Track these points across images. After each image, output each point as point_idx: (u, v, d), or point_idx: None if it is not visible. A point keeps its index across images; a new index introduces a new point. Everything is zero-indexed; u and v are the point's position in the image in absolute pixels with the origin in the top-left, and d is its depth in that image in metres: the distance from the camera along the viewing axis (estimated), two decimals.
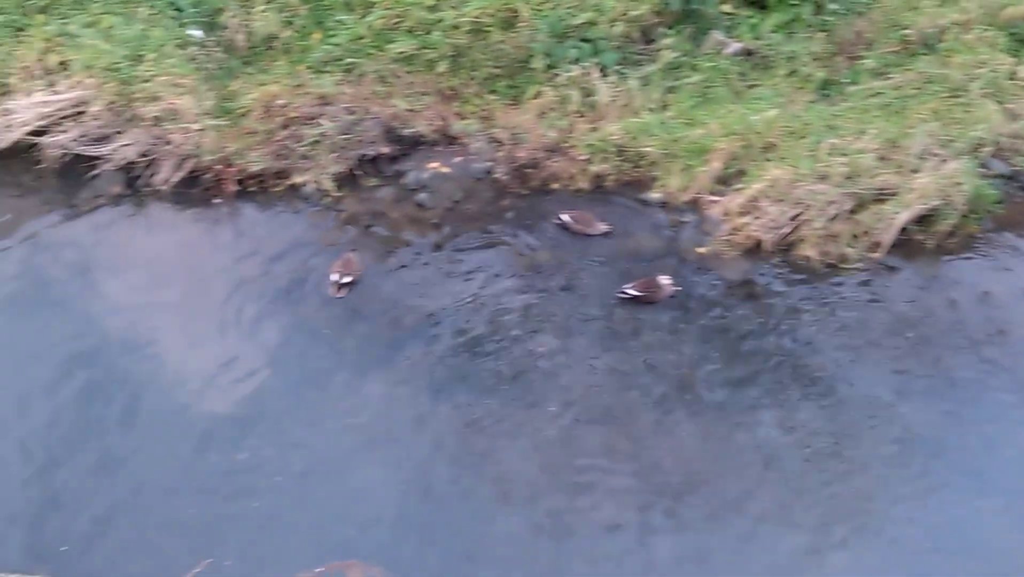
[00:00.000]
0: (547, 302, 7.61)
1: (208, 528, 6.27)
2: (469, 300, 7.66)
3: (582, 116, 8.30)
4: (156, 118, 7.95)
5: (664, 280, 7.35)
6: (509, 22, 8.31)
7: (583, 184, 8.22)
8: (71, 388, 7.03)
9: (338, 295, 7.34)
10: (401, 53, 8.25)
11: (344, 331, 7.46)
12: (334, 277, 7.40)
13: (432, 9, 8.26)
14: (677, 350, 7.34)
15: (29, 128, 7.98)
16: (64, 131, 7.99)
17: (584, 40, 8.34)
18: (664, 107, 8.35)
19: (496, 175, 8.18)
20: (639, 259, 7.87)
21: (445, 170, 8.20)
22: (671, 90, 8.39)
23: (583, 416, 6.95)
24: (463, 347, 7.36)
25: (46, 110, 7.92)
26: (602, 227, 7.87)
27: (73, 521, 6.30)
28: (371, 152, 8.18)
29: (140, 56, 8.08)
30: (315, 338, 7.40)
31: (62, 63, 8.11)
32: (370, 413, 6.96)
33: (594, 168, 8.11)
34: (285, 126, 8.05)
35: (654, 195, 8.19)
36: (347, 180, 8.28)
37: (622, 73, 8.42)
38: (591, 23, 8.32)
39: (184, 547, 6.13)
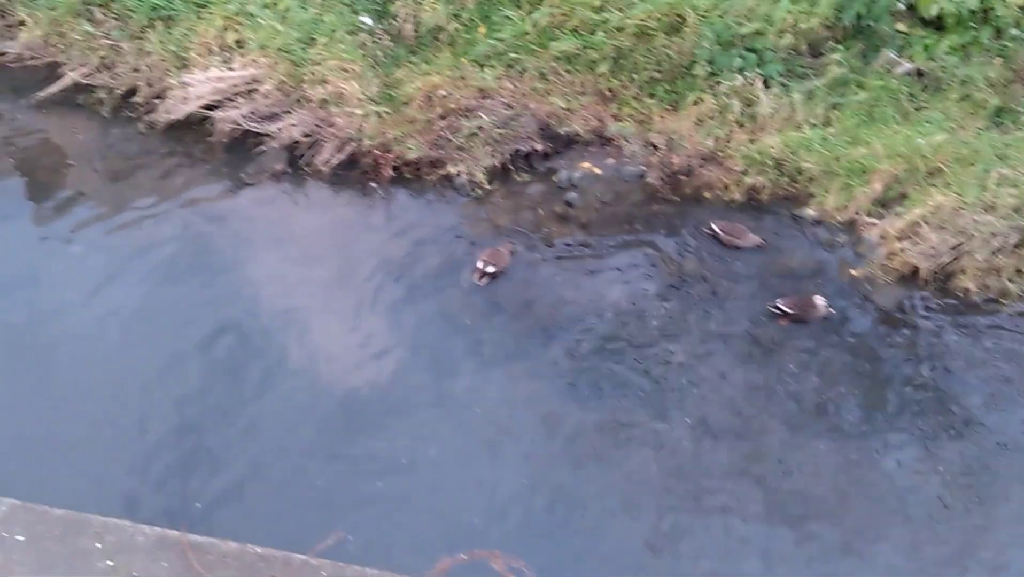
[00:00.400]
0: (689, 311, 8.55)
1: (337, 503, 7.25)
2: (610, 303, 8.63)
3: (741, 126, 9.20)
4: (322, 101, 9.27)
5: (819, 300, 8.21)
6: (675, 27, 9.33)
7: (736, 195, 9.16)
8: (219, 352, 8.25)
9: (480, 283, 8.54)
10: (563, 52, 9.36)
11: (483, 322, 8.53)
12: (479, 265, 8.53)
13: (598, 10, 9.37)
14: (819, 372, 8.14)
15: (204, 102, 9.42)
16: (236, 107, 9.40)
17: (750, 50, 9.25)
18: (827, 123, 9.19)
19: (648, 180, 9.21)
20: (788, 276, 8.73)
21: (597, 171, 9.30)
22: (835, 106, 9.25)
23: (716, 430, 7.79)
24: (601, 349, 8.32)
25: (221, 86, 9.38)
26: (753, 240, 8.77)
27: (208, 481, 7.44)
28: (525, 148, 9.32)
29: (312, 39, 9.40)
30: (454, 327, 8.50)
31: (239, 41, 9.51)
32: (502, 406, 7.94)
33: (749, 180, 9.06)
34: (444, 117, 9.27)
35: (809, 212, 9.07)
36: (499, 174, 9.39)
37: (786, 85, 9.27)
38: (759, 33, 9.22)
39: (313, 519, 7.12)
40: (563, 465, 7.55)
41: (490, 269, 8.41)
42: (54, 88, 9.71)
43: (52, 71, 9.89)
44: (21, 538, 6.08)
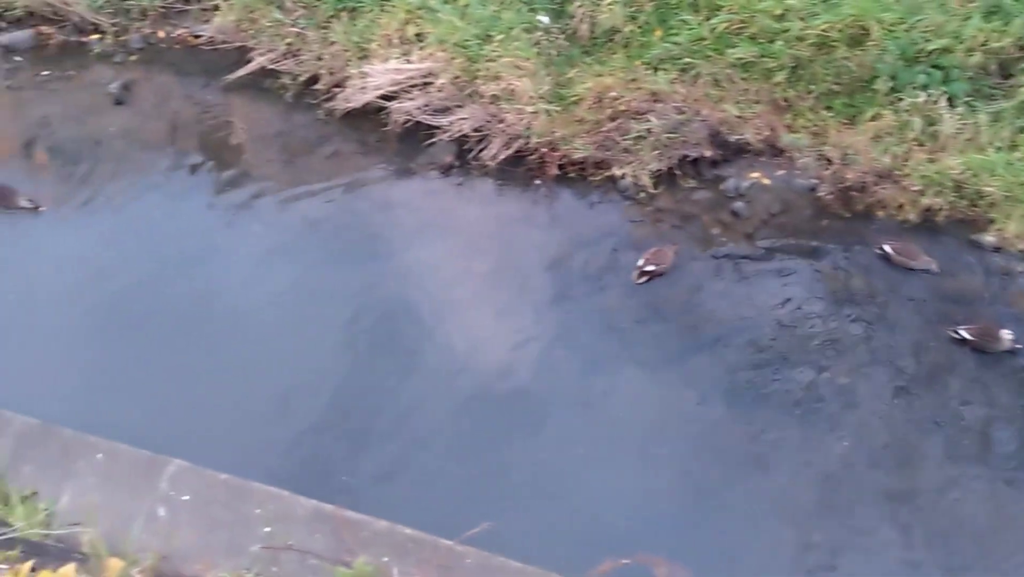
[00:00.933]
0: (854, 331, 8.41)
1: (483, 494, 7.44)
2: (771, 316, 8.55)
3: (921, 145, 8.98)
4: (494, 96, 9.49)
5: (1005, 333, 7.96)
6: (857, 39, 9.18)
7: (911, 215, 8.96)
8: (377, 335, 8.56)
9: (639, 282, 8.59)
10: (740, 59, 9.32)
11: (639, 325, 8.59)
12: (640, 263, 8.59)
13: (779, 18, 9.28)
14: (992, 406, 7.88)
15: (381, 92, 9.78)
16: (411, 99, 9.73)
17: (935, 67, 9.01)
18: (1013, 147, 8.88)
19: (819, 193, 9.09)
20: (960, 302, 8.49)
21: (766, 181, 9.23)
22: (1023, 130, 8.88)
23: (872, 454, 7.63)
24: (757, 362, 8.26)
25: (398, 77, 9.72)
26: (926, 262, 8.56)
27: (359, 461, 7.74)
28: (694, 154, 9.33)
29: (489, 36, 9.64)
30: (609, 327, 8.57)
31: (418, 35, 9.84)
32: (653, 410, 7.98)
33: (926, 200, 8.85)
34: (613, 118, 9.37)
35: (988, 238, 8.81)
36: (665, 178, 9.43)
37: (971, 105, 9.02)
38: (946, 50, 8.98)
39: (459, 508, 7.24)
40: (712, 475, 7.56)
41: (650, 268, 8.50)
42: (242, 72, 10.22)
43: (241, 55, 10.39)
44: (187, 498, 6.42)
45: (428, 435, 7.86)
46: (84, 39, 10.65)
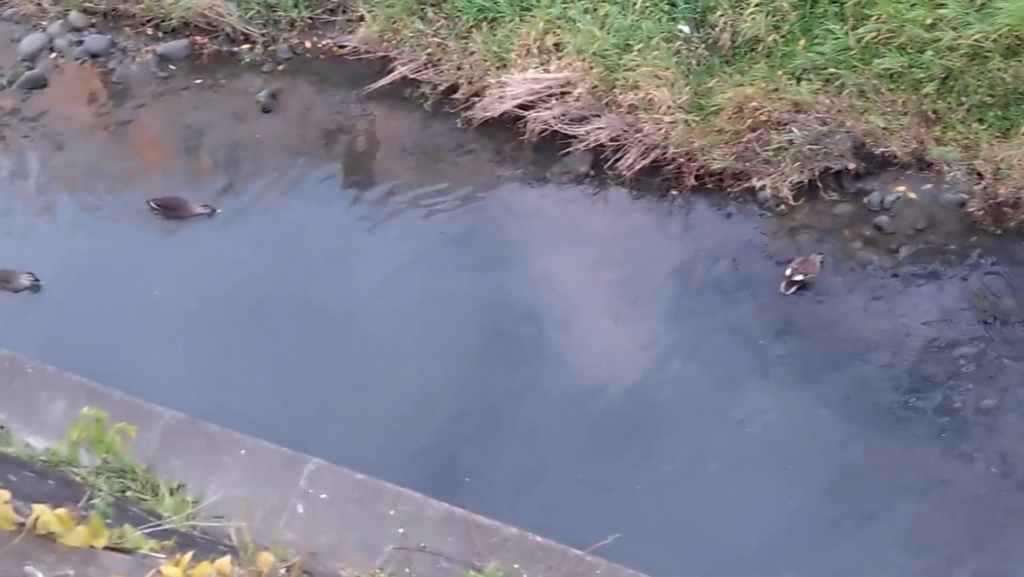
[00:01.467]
0: (1003, 353, 8.14)
1: (612, 507, 7.46)
2: (915, 334, 8.36)
3: None
4: (631, 106, 9.53)
5: None
6: (1013, 50, 8.87)
7: None
8: (507, 340, 8.75)
9: (787, 292, 8.50)
10: (887, 69, 9.12)
11: (776, 341, 8.51)
12: (787, 272, 8.52)
13: (930, 28, 9.04)
14: None
15: (519, 102, 9.94)
16: (548, 108, 9.85)
17: None
18: None
19: (969, 209, 8.83)
20: None
21: (912, 196, 9.01)
22: None
23: (1012, 486, 7.38)
24: (899, 382, 8.10)
25: (536, 87, 9.85)
26: None
27: (486, 466, 7.92)
28: (836, 166, 9.18)
29: (628, 45, 9.71)
30: (744, 342, 8.51)
31: (557, 45, 9.96)
32: (787, 428, 7.90)
33: None
34: (753, 129, 9.28)
35: None
36: (806, 191, 9.30)
37: None
38: None
39: (587, 519, 7.35)
40: (849, 495, 7.47)
41: (798, 277, 8.38)
42: (384, 81, 10.57)
43: (384, 65, 10.75)
44: (324, 496, 6.65)
45: (556, 444, 7.95)
46: (235, 49, 11.16)
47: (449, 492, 7.10)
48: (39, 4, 11.57)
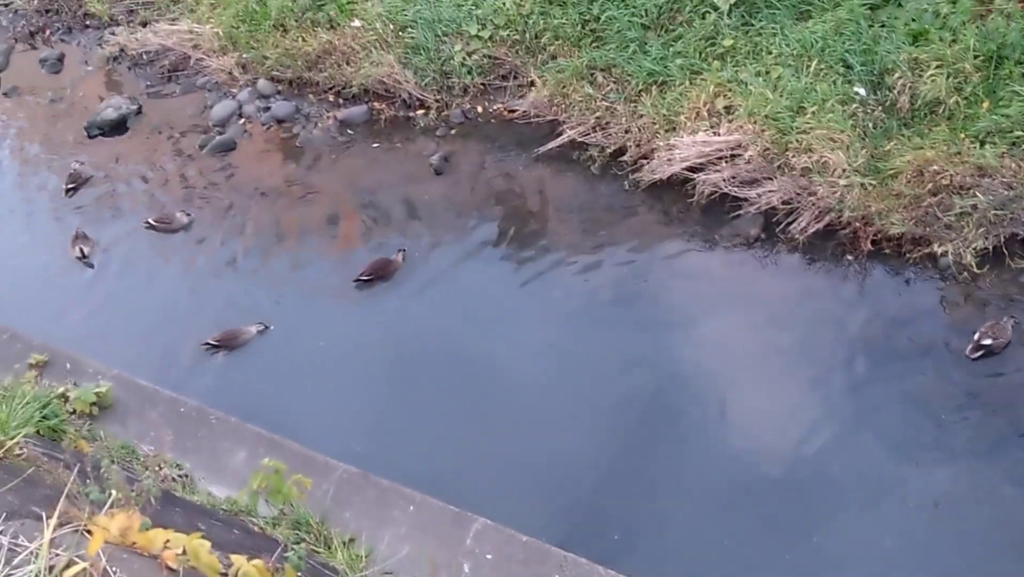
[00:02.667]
0: None
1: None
2: None
3: None
4: (805, 169, 9.48)
5: None
6: None
7: None
8: (665, 400, 8.79)
9: (974, 356, 8.31)
10: None
11: (957, 412, 8.23)
12: (976, 336, 8.32)
13: None
14: None
15: (687, 164, 10.03)
16: (717, 171, 9.90)
17: None
18: None
19: None
20: None
21: None
22: None
23: None
24: None
25: (706, 149, 9.93)
26: None
27: (633, 527, 7.91)
28: (1023, 232, 8.82)
29: (802, 108, 9.68)
30: (923, 413, 8.28)
31: (727, 108, 10.04)
32: (969, 506, 7.65)
33: None
34: (934, 193, 9.07)
35: None
36: (990, 258, 9.03)
37: None
38: None
39: None
40: None
41: (986, 341, 8.15)
42: (553, 144, 10.89)
43: (552, 129, 11.08)
44: (490, 557, 6.78)
45: (713, 509, 7.91)
46: (411, 114, 11.72)
47: (599, 551, 7.26)
48: (230, 73, 12.46)
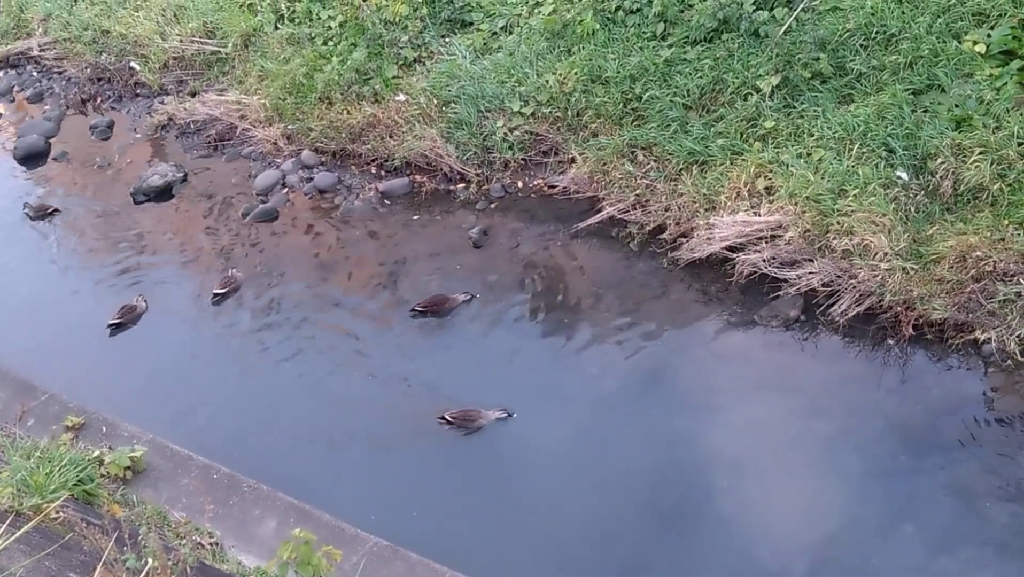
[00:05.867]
0: None
1: None
2: None
3: None
4: (846, 251, 9.57)
5: None
6: None
7: None
8: (705, 488, 8.79)
9: None
10: None
11: (1001, 504, 8.17)
12: None
13: None
14: None
15: (727, 244, 10.16)
16: (757, 251, 10.02)
17: None
18: None
19: None
20: None
21: None
22: None
23: None
24: None
25: (746, 229, 10.06)
26: None
27: None
28: None
29: (843, 191, 9.82)
30: (966, 506, 8.24)
31: (768, 188, 10.20)
32: None
33: None
34: (977, 279, 9.12)
35: None
36: None
37: None
38: None
39: None
40: None
41: None
42: (592, 220, 11.13)
43: (592, 205, 11.31)
44: None
45: None
46: (452, 187, 12.03)
47: None
48: (275, 144, 12.89)
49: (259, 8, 13.97)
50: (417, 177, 12.12)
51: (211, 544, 7.77)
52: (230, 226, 12.22)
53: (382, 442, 9.24)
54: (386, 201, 12.09)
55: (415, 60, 12.71)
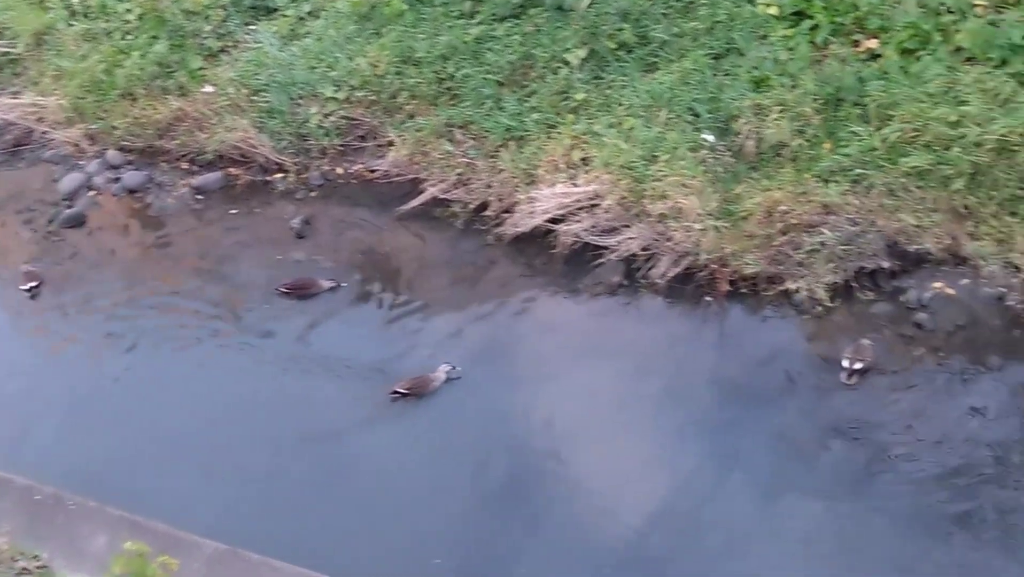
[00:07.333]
0: None
1: None
2: (964, 435, 8.46)
3: None
4: (661, 215, 9.93)
5: None
6: None
7: None
8: (541, 458, 8.96)
9: (850, 381, 8.71)
10: (915, 168, 9.47)
11: (820, 447, 8.65)
12: (846, 363, 8.76)
13: (954, 125, 9.43)
14: None
15: (548, 216, 10.38)
16: (578, 221, 10.27)
17: None
18: None
19: (1009, 303, 9.07)
20: None
21: (950, 292, 9.24)
22: None
23: None
24: (951, 485, 8.17)
25: (565, 201, 10.31)
26: None
27: None
28: (871, 265, 9.46)
29: (654, 157, 10.18)
30: (788, 451, 8.69)
31: (584, 159, 10.47)
32: (843, 542, 7.95)
33: None
34: (784, 232, 9.61)
35: None
36: (841, 291, 9.57)
37: None
38: None
39: None
40: None
41: (858, 365, 8.65)
42: (415, 202, 11.16)
43: (414, 187, 11.39)
44: None
45: (589, 566, 7.99)
46: (269, 178, 11.86)
47: None
48: (77, 145, 12.36)
49: (50, 5, 13.26)
50: (232, 170, 11.89)
51: (38, 567, 7.45)
52: (35, 236, 11.58)
53: (216, 442, 9.03)
54: (200, 197, 11.82)
55: (220, 50, 12.47)
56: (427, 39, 11.53)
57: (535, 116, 10.81)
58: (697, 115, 10.27)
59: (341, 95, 11.57)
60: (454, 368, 9.42)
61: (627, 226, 10.08)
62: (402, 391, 9.28)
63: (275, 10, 12.65)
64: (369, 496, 8.52)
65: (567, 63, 10.96)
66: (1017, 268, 9.01)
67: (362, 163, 11.60)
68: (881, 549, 7.76)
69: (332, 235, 11.15)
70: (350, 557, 7.91)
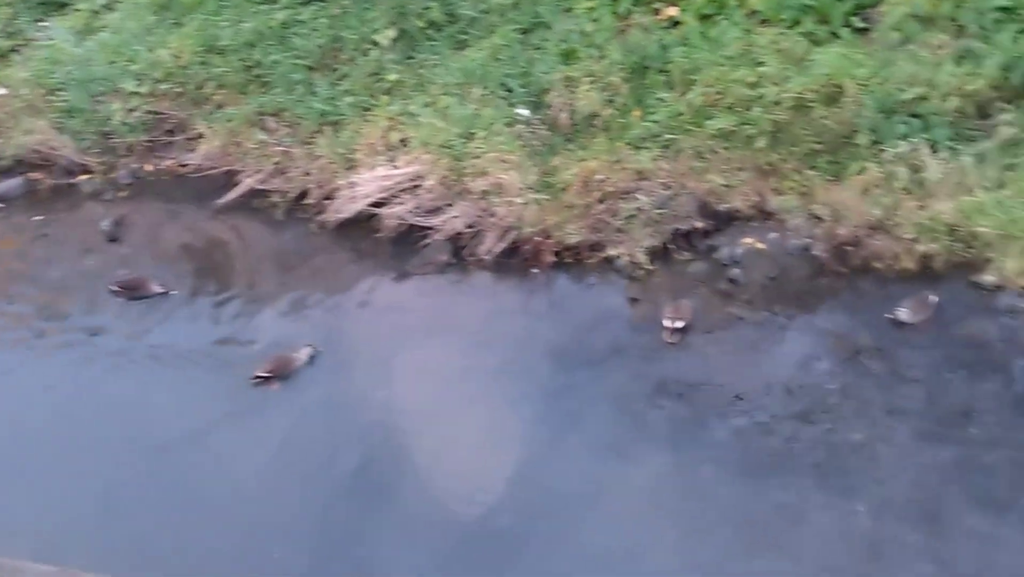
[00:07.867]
0: (865, 388, 8.73)
1: None
2: (781, 381, 8.89)
3: (909, 193, 9.45)
4: (483, 192, 10.04)
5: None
6: (833, 98, 9.74)
7: (908, 264, 9.39)
8: (381, 444, 8.91)
9: (672, 340, 9.06)
10: (720, 130, 9.88)
11: (650, 406, 8.95)
12: (667, 323, 9.09)
13: (753, 86, 9.88)
14: (1016, 444, 8.07)
15: (371, 200, 10.36)
16: (401, 203, 10.29)
17: (914, 116, 9.55)
18: (1001, 185, 9.34)
19: (814, 252, 9.55)
20: (971, 346, 8.83)
21: (760, 246, 9.69)
22: (1009, 168, 9.38)
23: (899, 511, 7.87)
24: (772, 430, 8.58)
25: (387, 183, 10.30)
26: (925, 310, 9.01)
27: None
28: (685, 227, 9.83)
29: (472, 134, 10.26)
30: (621, 411, 8.96)
31: (402, 140, 10.48)
32: (672, 493, 8.25)
33: (921, 248, 9.29)
34: (602, 200, 9.88)
35: (987, 278, 9.19)
36: (660, 254, 9.93)
37: (954, 149, 9.52)
38: (922, 98, 9.53)
39: None
40: (738, 555, 7.76)
41: (679, 324, 9.02)
42: (232, 195, 10.91)
43: (230, 179, 11.13)
44: None
45: (440, 546, 8.11)
46: (74, 180, 11.31)
47: None
48: None
49: None
50: (33, 175, 11.37)
51: None
52: None
53: (46, 452, 8.80)
54: (2, 205, 11.09)
55: (11, 50, 11.86)
56: (231, 26, 11.24)
57: (349, 99, 10.73)
58: (510, 90, 10.38)
59: (144, 89, 11.20)
60: (314, 348, 9.29)
61: (450, 205, 10.15)
62: (263, 375, 9.08)
63: (67, 5, 12.05)
64: (212, 496, 8.43)
65: (377, 44, 10.91)
66: (819, 218, 9.50)
67: (173, 158, 11.27)
68: (720, 496, 8.14)
69: (148, 235, 10.79)
70: (196, 562, 7.65)
